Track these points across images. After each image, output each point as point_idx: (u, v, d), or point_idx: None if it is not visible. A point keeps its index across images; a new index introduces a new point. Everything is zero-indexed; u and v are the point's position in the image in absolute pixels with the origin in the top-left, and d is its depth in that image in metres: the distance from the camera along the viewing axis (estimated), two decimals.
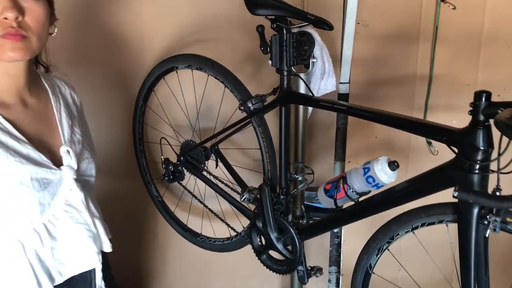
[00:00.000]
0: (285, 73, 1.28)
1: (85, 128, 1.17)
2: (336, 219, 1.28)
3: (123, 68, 1.75)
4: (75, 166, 1.00)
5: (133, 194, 1.87)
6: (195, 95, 1.63)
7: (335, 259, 1.92)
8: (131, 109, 1.74)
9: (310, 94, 1.36)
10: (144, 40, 1.71)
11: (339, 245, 1.89)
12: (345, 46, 1.63)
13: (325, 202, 1.28)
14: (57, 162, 0.98)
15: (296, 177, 1.33)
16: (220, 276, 2.01)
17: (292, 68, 1.30)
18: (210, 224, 1.70)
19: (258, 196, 1.36)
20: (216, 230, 1.68)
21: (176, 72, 1.56)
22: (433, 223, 1.09)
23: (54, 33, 1.01)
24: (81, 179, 1.02)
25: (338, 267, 1.92)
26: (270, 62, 1.30)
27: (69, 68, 1.71)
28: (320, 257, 1.92)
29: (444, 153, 1.01)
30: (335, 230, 1.87)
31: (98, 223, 1.04)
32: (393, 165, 1.13)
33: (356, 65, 1.67)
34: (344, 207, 1.28)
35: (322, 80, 1.47)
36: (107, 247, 1.06)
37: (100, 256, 1.03)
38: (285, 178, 1.34)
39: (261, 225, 1.38)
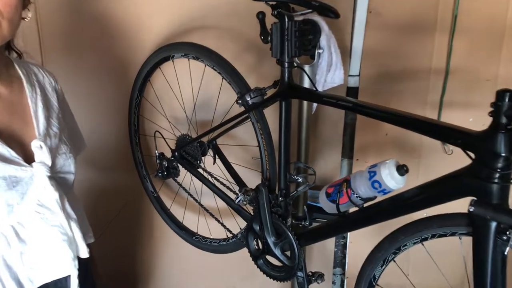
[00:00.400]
0: (286, 65, 1.17)
1: (67, 118, 1.08)
2: (338, 225, 1.18)
3: (120, 56, 1.66)
4: (49, 162, 0.91)
5: (128, 188, 1.80)
6: (191, 86, 1.54)
7: (340, 261, 1.83)
8: (127, 100, 1.64)
9: (314, 88, 1.25)
10: (142, 28, 1.62)
11: (344, 246, 1.80)
12: (355, 36, 1.53)
13: (326, 206, 1.18)
14: (30, 158, 0.90)
15: (296, 178, 1.23)
16: (219, 276, 1.93)
17: (296, 59, 1.20)
18: (206, 223, 1.61)
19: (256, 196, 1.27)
20: (213, 230, 1.60)
21: (172, 61, 1.46)
22: (444, 235, 0.99)
23: (28, 18, 0.93)
24: (56, 177, 0.94)
25: (343, 269, 1.83)
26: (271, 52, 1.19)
27: (63, 56, 1.64)
28: (323, 258, 1.84)
29: (460, 153, 0.91)
30: None
31: (74, 225, 0.95)
32: (401, 170, 1.02)
33: (367, 57, 1.57)
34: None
35: (329, 73, 1.37)
36: (84, 253, 0.97)
37: (76, 262, 0.95)
38: (284, 178, 1.24)
39: (258, 228, 1.28)
